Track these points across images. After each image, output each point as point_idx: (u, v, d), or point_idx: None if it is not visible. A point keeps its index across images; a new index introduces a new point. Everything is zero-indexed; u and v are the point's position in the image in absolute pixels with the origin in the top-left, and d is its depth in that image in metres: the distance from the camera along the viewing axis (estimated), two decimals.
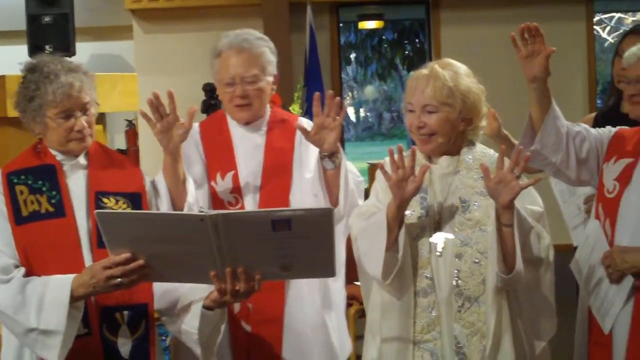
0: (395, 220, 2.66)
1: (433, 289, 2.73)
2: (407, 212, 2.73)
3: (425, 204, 2.78)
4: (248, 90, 3.10)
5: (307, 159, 3.16)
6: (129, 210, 2.74)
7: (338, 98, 2.92)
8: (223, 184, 3.15)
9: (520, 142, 2.98)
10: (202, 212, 2.40)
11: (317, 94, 2.93)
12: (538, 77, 2.85)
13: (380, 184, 2.85)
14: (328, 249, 2.46)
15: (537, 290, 2.78)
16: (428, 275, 2.73)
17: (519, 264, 2.61)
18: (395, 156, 2.64)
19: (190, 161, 3.14)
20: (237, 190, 3.14)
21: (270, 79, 3.17)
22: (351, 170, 3.13)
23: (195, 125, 3.25)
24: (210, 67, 3.18)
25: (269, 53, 3.16)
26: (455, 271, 2.71)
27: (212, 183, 3.15)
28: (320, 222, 2.42)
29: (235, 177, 3.15)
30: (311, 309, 3.13)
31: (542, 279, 2.76)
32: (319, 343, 3.14)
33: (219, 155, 3.18)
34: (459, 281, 2.71)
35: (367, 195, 2.99)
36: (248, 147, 3.19)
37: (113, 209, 2.71)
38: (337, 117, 2.91)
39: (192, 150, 3.18)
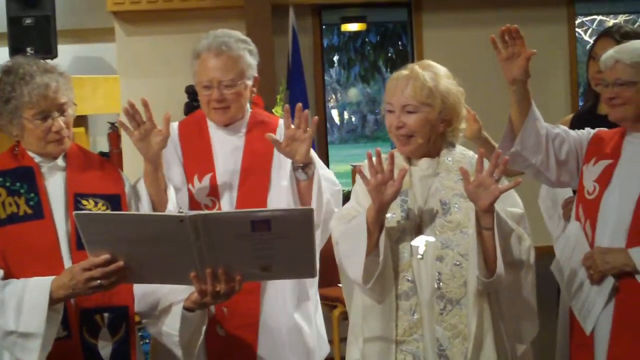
0: (376, 224, 2.66)
1: (415, 292, 2.73)
2: (387, 215, 2.73)
3: (406, 206, 2.78)
4: (225, 94, 3.09)
5: (286, 161, 3.16)
6: (108, 212, 2.72)
7: (306, 111, 2.92)
8: (200, 186, 3.13)
9: (500, 144, 2.98)
10: (181, 213, 2.40)
11: (286, 107, 2.94)
12: (518, 79, 2.86)
13: (360, 186, 2.84)
14: (308, 249, 2.46)
15: (518, 293, 2.79)
16: (409, 278, 2.73)
17: (500, 268, 2.62)
18: (374, 160, 2.64)
19: (168, 164, 3.12)
20: (214, 193, 3.13)
21: (250, 82, 3.15)
22: (328, 178, 3.13)
23: (174, 125, 3.23)
24: (190, 68, 3.18)
25: (248, 56, 3.13)
26: (437, 274, 2.71)
27: (190, 185, 3.15)
28: (299, 222, 2.41)
29: (213, 179, 3.13)
30: (286, 312, 3.12)
31: (523, 281, 2.77)
32: (294, 345, 3.14)
33: (197, 157, 3.17)
34: (441, 284, 2.71)
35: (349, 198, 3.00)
36: (227, 149, 3.17)
37: (92, 211, 2.70)
38: (308, 129, 2.91)
39: (171, 153, 3.16)
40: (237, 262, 2.45)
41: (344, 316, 4.86)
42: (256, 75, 3.18)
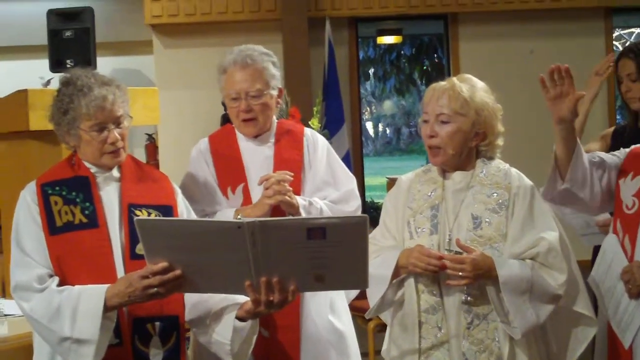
0: (401, 270, 2.76)
1: (441, 306, 2.73)
2: (417, 229, 2.76)
3: (436, 221, 2.78)
4: (252, 104, 3.18)
5: (315, 167, 3.24)
6: (167, 217, 2.74)
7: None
8: (234, 198, 3.20)
9: (547, 185, 2.94)
10: (239, 219, 2.40)
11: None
12: (566, 119, 2.80)
13: (390, 202, 2.89)
14: (361, 259, 2.43)
15: (560, 311, 2.80)
16: (436, 292, 2.74)
17: (523, 326, 2.66)
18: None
19: (203, 182, 3.21)
20: (248, 203, 3.19)
21: (275, 92, 3.24)
22: (333, 205, 3.23)
23: (205, 140, 3.34)
24: (218, 83, 3.26)
25: (272, 68, 3.23)
26: (465, 288, 2.71)
27: (224, 198, 3.21)
28: (354, 231, 2.38)
29: (246, 190, 3.20)
30: (324, 312, 3.21)
31: (564, 303, 2.79)
32: (335, 344, 3.22)
33: (229, 170, 3.25)
34: (469, 298, 2.71)
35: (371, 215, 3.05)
36: (258, 159, 3.25)
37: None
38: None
39: (202, 167, 3.26)
40: (291, 271, 2.44)
41: (379, 328, 4.88)
42: (280, 86, 3.27)
